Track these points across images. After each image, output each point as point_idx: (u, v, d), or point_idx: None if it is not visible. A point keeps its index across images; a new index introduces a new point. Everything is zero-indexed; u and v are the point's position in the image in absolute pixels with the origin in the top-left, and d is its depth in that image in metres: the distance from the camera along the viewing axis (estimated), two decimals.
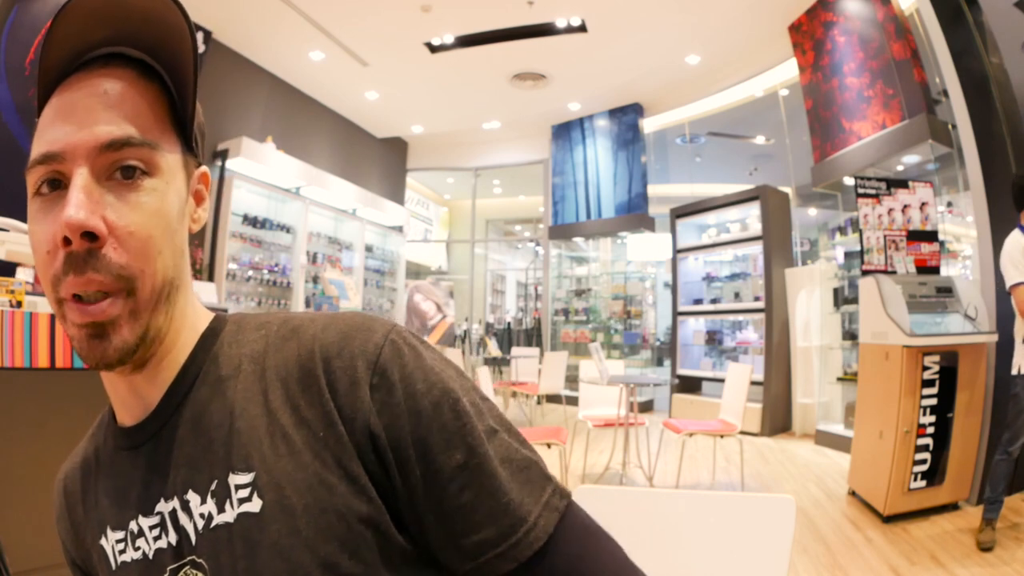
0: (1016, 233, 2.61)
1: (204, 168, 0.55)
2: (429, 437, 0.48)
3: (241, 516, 0.47)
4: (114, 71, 0.48)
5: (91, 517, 0.56)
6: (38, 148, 0.46)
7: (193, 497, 0.49)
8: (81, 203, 0.44)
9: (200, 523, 0.48)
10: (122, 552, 0.52)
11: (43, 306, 1.38)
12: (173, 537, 0.49)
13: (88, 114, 0.46)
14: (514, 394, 6.84)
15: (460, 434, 0.49)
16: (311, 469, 0.47)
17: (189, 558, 0.49)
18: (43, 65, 0.45)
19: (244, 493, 0.47)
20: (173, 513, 0.49)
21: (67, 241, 0.44)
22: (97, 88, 0.47)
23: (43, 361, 1.23)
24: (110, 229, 0.45)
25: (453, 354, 6.02)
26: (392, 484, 0.48)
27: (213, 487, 0.48)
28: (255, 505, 0.47)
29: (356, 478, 0.47)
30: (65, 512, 0.59)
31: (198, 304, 0.55)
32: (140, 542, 0.51)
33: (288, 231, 6.58)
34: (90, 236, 0.44)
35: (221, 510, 0.48)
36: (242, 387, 0.51)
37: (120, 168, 0.47)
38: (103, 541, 0.53)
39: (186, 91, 0.50)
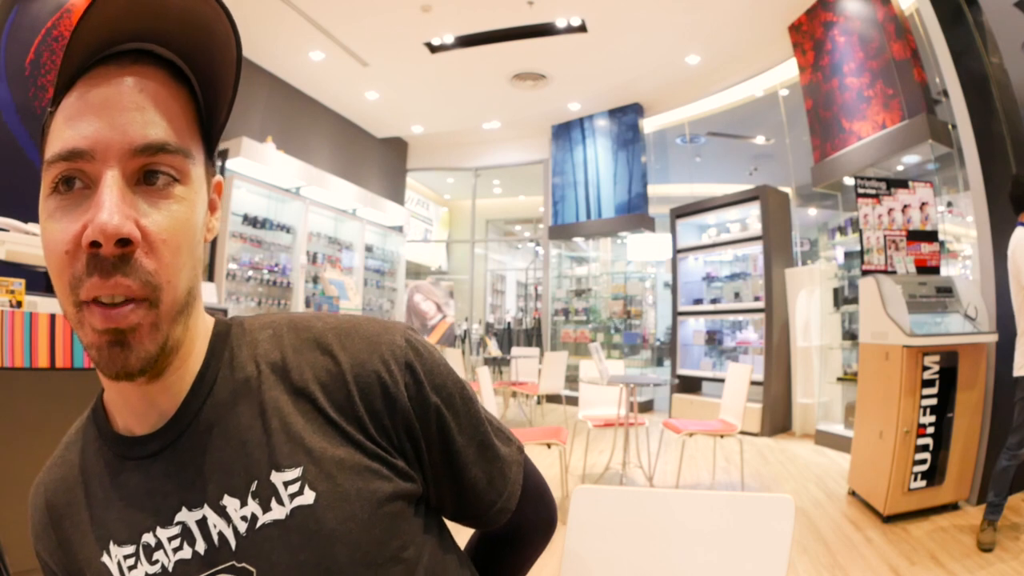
0: (1021, 231, 2.60)
1: (219, 177, 0.54)
2: (449, 423, 0.57)
3: (296, 510, 0.48)
4: (145, 69, 0.45)
5: (85, 533, 0.52)
6: (61, 143, 0.43)
7: (231, 501, 0.48)
8: (117, 207, 0.42)
9: (243, 526, 0.48)
10: (132, 568, 0.50)
11: (43, 306, 1.38)
12: (201, 546, 0.48)
13: (121, 113, 0.44)
14: (514, 394, 6.84)
15: (468, 417, 0.59)
16: (356, 459, 0.50)
17: (227, 564, 0.48)
18: (69, 50, 0.42)
19: (295, 488, 0.48)
20: (202, 521, 0.48)
21: (95, 244, 0.42)
22: (129, 85, 0.44)
23: (43, 361, 1.24)
24: (143, 235, 0.44)
25: (453, 354, 6.03)
26: (420, 462, 0.56)
27: (254, 488, 0.48)
28: (308, 497, 0.48)
29: (393, 465, 0.53)
30: (49, 528, 0.55)
31: (203, 311, 0.55)
32: (158, 555, 0.49)
33: (288, 231, 6.58)
34: (122, 242, 0.42)
35: (267, 509, 0.48)
36: (266, 389, 0.51)
37: (150, 173, 0.45)
38: (105, 558, 0.51)
39: (222, 100, 0.49)
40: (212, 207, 0.53)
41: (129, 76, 0.45)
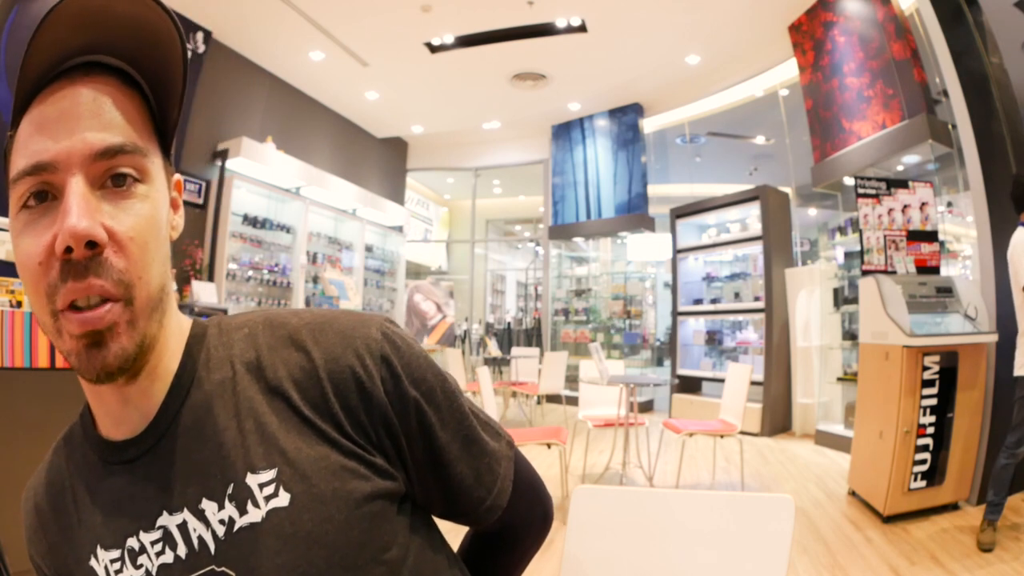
0: (1021, 231, 2.59)
1: (178, 176, 0.55)
2: (430, 418, 0.55)
3: (271, 513, 0.47)
4: (97, 79, 0.47)
5: (73, 536, 0.53)
6: (24, 160, 0.45)
7: (209, 505, 0.48)
8: (83, 211, 0.43)
9: (221, 530, 0.48)
10: (118, 572, 0.50)
11: None
12: (183, 550, 0.48)
13: (77, 122, 0.45)
14: (514, 394, 6.84)
15: (451, 412, 0.57)
16: (332, 458, 0.50)
17: (207, 568, 0.48)
18: (24, 73, 0.43)
19: (270, 490, 0.48)
20: (183, 526, 0.48)
21: (67, 250, 0.43)
22: (83, 96, 0.46)
23: (43, 361, 1.23)
24: (110, 235, 0.45)
25: (453, 354, 6.03)
26: (402, 460, 0.54)
27: (230, 491, 0.48)
28: (283, 499, 0.48)
29: (372, 463, 0.52)
30: (40, 531, 0.56)
31: (178, 311, 0.55)
32: (142, 559, 0.49)
33: (288, 231, 6.59)
34: (91, 244, 0.43)
35: (243, 512, 0.48)
36: (241, 389, 0.51)
37: (113, 176, 0.46)
38: (93, 562, 0.51)
39: (171, 98, 0.50)
40: (175, 205, 0.54)
41: (83, 87, 0.46)
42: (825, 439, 4.85)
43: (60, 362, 1.26)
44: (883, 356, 3.07)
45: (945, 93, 3.69)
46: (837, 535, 2.76)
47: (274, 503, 0.48)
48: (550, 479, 3.81)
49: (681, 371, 6.48)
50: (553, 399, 6.91)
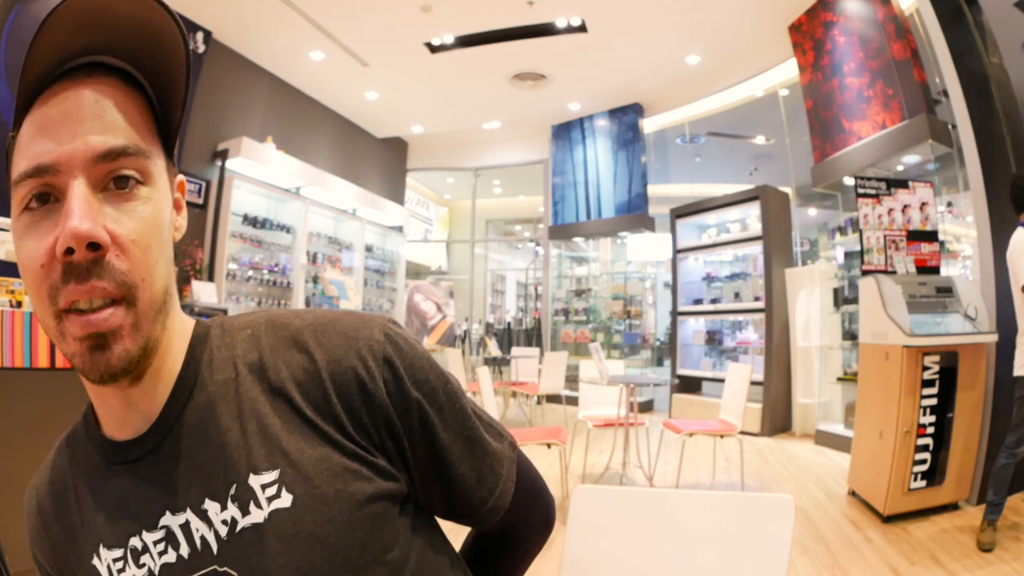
0: (1021, 231, 2.59)
1: (181, 176, 0.55)
2: (432, 420, 0.55)
3: (273, 513, 0.47)
4: (99, 80, 0.46)
5: (76, 535, 0.53)
6: (26, 161, 0.44)
7: (212, 505, 0.48)
8: (85, 213, 0.43)
9: (223, 530, 0.48)
10: (121, 571, 0.50)
11: None
12: (185, 550, 0.48)
13: (80, 124, 0.45)
14: (514, 394, 6.84)
15: (454, 413, 0.57)
16: (334, 459, 0.50)
17: (209, 568, 0.48)
18: (26, 73, 0.43)
19: (272, 491, 0.48)
20: (185, 525, 0.48)
21: (69, 251, 0.43)
22: (85, 98, 0.45)
23: (43, 361, 1.23)
24: (112, 238, 0.45)
25: (453, 354, 6.03)
26: (404, 461, 0.54)
27: (233, 491, 0.48)
28: (285, 500, 0.48)
29: (374, 464, 0.52)
30: (42, 530, 0.57)
31: (181, 312, 0.55)
32: (145, 558, 0.49)
33: (288, 231, 6.59)
34: (93, 246, 0.43)
35: (246, 512, 0.48)
36: (244, 390, 0.51)
37: (115, 178, 0.46)
38: (95, 561, 0.51)
39: (174, 99, 0.50)
40: (177, 206, 0.54)
41: (85, 88, 0.46)
42: (825, 439, 4.85)
43: (60, 362, 1.26)
44: (883, 356, 3.07)
45: (945, 93, 3.69)
46: (837, 535, 2.76)
47: (276, 504, 0.48)
48: (550, 479, 3.81)
49: (681, 371, 6.48)
50: (553, 399, 6.91)
